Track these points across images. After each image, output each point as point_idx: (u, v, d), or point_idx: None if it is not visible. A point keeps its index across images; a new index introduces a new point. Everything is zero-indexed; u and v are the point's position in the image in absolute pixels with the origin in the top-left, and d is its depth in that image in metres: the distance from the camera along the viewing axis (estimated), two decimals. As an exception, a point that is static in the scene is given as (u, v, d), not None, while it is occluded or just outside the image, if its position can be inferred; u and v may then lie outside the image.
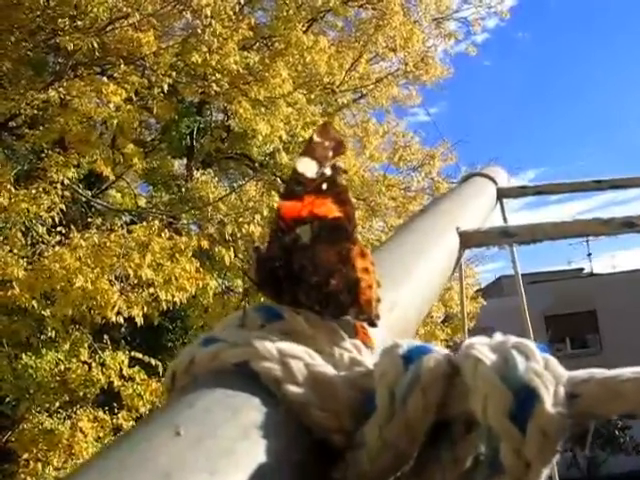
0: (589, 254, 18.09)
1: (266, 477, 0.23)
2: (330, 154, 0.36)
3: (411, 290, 0.45)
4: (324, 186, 0.35)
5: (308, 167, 0.35)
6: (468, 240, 0.64)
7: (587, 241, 17.45)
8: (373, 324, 0.34)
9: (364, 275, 0.35)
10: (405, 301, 0.43)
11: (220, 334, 0.28)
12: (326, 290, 0.34)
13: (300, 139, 6.43)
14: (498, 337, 0.27)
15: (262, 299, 0.36)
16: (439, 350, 0.27)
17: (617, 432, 12.67)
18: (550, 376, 0.25)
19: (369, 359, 0.30)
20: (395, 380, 0.26)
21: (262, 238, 5.93)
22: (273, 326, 0.30)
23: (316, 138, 0.37)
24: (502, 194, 0.95)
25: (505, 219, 0.96)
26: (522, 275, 0.96)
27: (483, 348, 0.26)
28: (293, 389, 0.26)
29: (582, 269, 18.25)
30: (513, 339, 0.27)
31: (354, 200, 0.37)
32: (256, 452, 0.24)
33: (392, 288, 0.42)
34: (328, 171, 0.35)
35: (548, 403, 0.24)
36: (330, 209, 0.35)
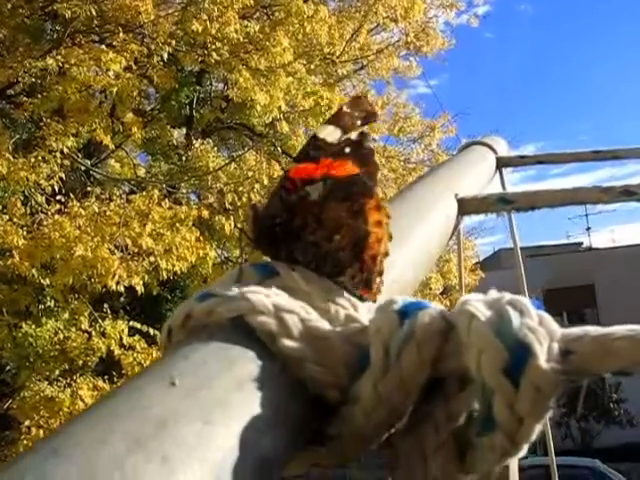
0: (588, 228, 18.12)
1: (260, 429, 0.23)
2: (358, 122, 0.35)
3: (407, 254, 0.45)
4: (347, 150, 0.34)
5: (330, 133, 0.34)
6: (466, 206, 0.64)
7: (586, 215, 17.47)
8: (369, 286, 0.34)
9: (375, 228, 0.34)
10: (401, 265, 0.43)
11: (216, 290, 0.28)
12: (326, 248, 0.34)
13: (300, 109, 6.40)
14: (493, 294, 0.27)
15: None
16: (435, 306, 0.27)
17: (611, 405, 12.79)
18: (544, 332, 0.25)
19: (365, 316, 0.30)
20: (390, 335, 0.26)
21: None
22: (269, 282, 0.30)
23: (345, 108, 0.35)
24: (502, 163, 0.95)
25: (504, 189, 0.96)
26: (521, 249, 0.96)
27: (478, 304, 0.26)
28: (288, 343, 0.26)
29: (581, 243, 18.28)
30: (508, 296, 0.27)
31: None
32: (251, 404, 0.24)
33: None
34: (354, 136, 0.34)
35: (542, 359, 0.24)
36: (349, 169, 0.34)
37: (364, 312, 0.30)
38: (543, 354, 0.25)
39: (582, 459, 9.09)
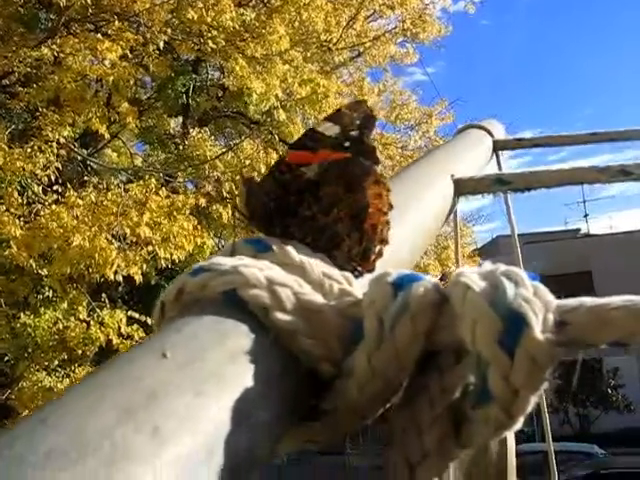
0: (586, 215, 18.13)
1: (253, 401, 0.23)
2: (357, 122, 0.34)
3: (402, 233, 0.45)
4: (346, 143, 0.34)
5: (328, 128, 0.34)
6: (463, 187, 0.64)
7: (584, 202, 17.48)
8: (366, 257, 0.34)
9: (375, 200, 0.34)
10: (396, 243, 0.43)
11: (209, 264, 0.28)
12: (322, 221, 0.34)
13: (297, 97, 6.37)
14: (488, 265, 0.27)
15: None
16: (429, 278, 0.27)
17: (609, 390, 12.85)
18: (539, 303, 0.25)
19: (359, 290, 0.29)
20: (383, 307, 0.26)
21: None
22: (262, 257, 0.30)
23: (345, 110, 0.35)
24: (498, 146, 0.95)
25: (501, 171, 0.95)
26: (518, 235, 0.95)
27: (472, 275, 0.26)
28: (281, 316, 0.26)
29: (579, 230, 18.29)
30: (503, 267, 0.26)
31: None
32: (243, 377, 0.23)
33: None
34: (354, 133, 0.34)
35: (537, 329, 0.24)
36: (347, 156, 0.34)
37: (358, 286, 0.30)
38: (538, 325, 0.24)
39: (580, 444, 9.15)
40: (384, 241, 0.35)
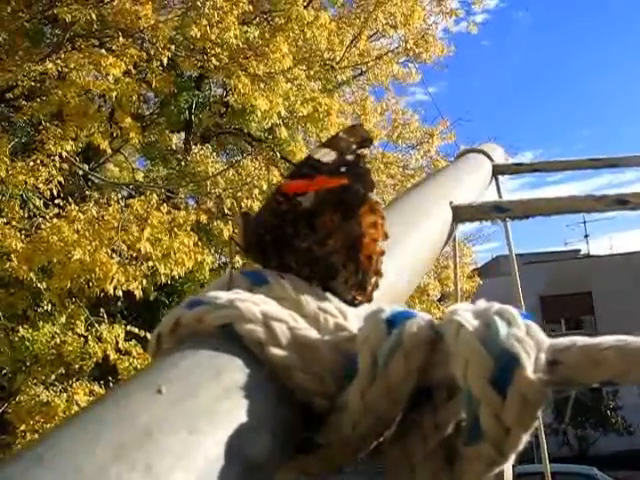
0: (586, 235, 18.15)
1: (247, 436, 0.23)
2: (354, 147, 0.35)
3: (401, 260, 0.45)
4: (342, 169, 0.34)
5: (325, 155, 0.34)
6: (461, 214, 0.64)
7: (584, 222, 17.51)
8: (363, 288, 0.34)
9: (370, 229, 0.34)
10: (394, 272, 0.43)
11: (205, 297, 0.28)
12: (318, 253, 0.34)
13: (299, 115, 6.40)
14: (482, 303, 0.27)
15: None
16: (423, 315, 0.27)
17: (609, 412, 12.79)
18: (531, 342, 0.25)
19: (354, 325, 0.30)
20: (377, 344, 0.26)
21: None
22: (258, 291, 0.30)
23: (342, 134, 0.35)
24: (498, 171, 0.95)
25: (500, 196, 0.96)
26: (518, 256, 0.96)
27: (466, 314, 0.26)
28: (276, 351, 0.26)
29: (579, 250, 18.30)
30: (497, 305, 0.27)
31: None
32: (238, 412, 0.24)
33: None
34: (350, 157, 0.34)
35: (529, 369, 0.25)
36: (341, 181, 0.34)
37: (354, 320, 0.30)
38: (530, 364, 0.25)
39: (579, 466, 9.09)
40: (379, 273, 0.35)
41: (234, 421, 0.23)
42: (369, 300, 0.35)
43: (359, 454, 0.29)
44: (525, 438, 0.26)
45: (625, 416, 12.84)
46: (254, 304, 0.27)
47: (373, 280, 0.35)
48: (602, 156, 0.97)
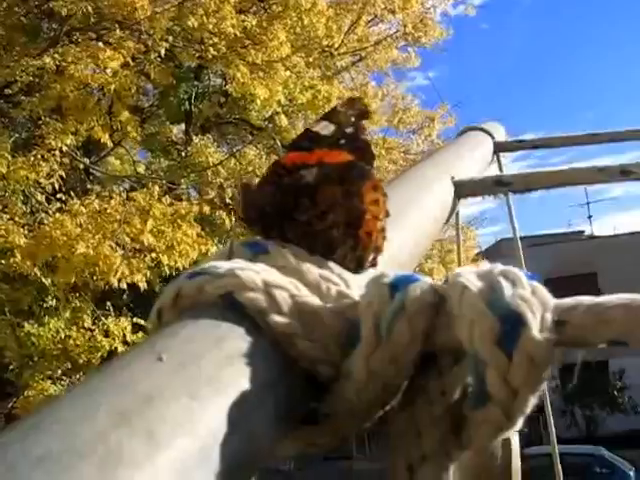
0: (590, 216, 18.11)
1: (249, 404, 0.23)
2: (352, 119, 0.35)
3: (403, 234, 0.45)
4: (342, 141, 0.34)
5: (324, 127, 0.34)
6: (463, 189, 0.64)
7: (588, 203, 17.46)
8: (360, 265, 0.34)
9: (372, 207, 0.34)
10: (396, 244, 0.43)
11: (205, 267, 0.28)
12: (318, 227, 0.33)
13: (299, 102, 6.38)
14: (485, 266, 0.27)
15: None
16: (426, 279, 0.27)
17: (615, 392, 12.81)
18: (537, 302, 0.25)
19: (357, 292, 0.29)
20: (380, 309, 0.26)
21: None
22: (259, 260, 0.30)
23: (339, 107, 0.35)
24: (499, 148, 0.95)
25: (502, 173, 0.95)
26: (522, 238, 0.95)
27: (470, 275, 0.26)
28: (278, 319, 0.26)
29: (582, 232, 18.26)
30: (500, 267, 0.26)
31: None
32: (240, 380, 0.23)
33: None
34: (349, 129, 0.34)
35: (535, 329, 0.24)
36: (344, 157, 0.34)
37: (356, 288, 0.30)
38: (536, 324, 0.24)
39: (587, 447, 9.11)
40: (378, 249, 0.35)
41: (237, 389, 0.23)
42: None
43: (365, 423, 0.29)
44: (533, 401, 0.25)
45: (632, 396, 12.86)
46: (255, 272, 0.27)
47: (371, 257, 0.35)
48: (602, 130, 0.96)
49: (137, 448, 0.18)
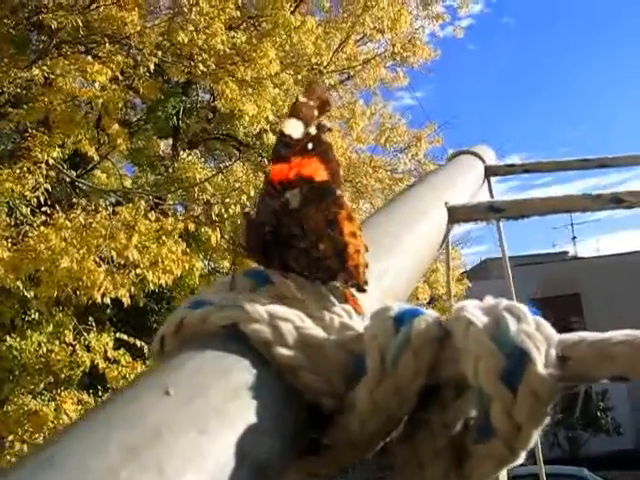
0: (574, 238, 18.23)
1: (256, 437, 0.23)
2: (315, 113, 0.35)
3: (399, 260, 0.45)
4: (310, 145, 0.34)
5: (294, 128, 0.35)
6: (456, 215, 0.64)
7: (572, 224, 17.59)
8: (362, 289, 0.34)
9: (352, 239, 0.34)
10: (393, 271, 0.43)
11: (209, 297, 0.28)
12: (315, 255, 0.34)
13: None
14: (489, 300, 0.27)
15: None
16: (430, 313, 0.27)
17: (599, 413, 12.84)
18: (542, 338, 0.25)
19: (359, 324, 0.29)
20: (386, 342, 0.26)
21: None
22: (262, 290, 0.30)
23: (301, 98, 0.36)
24: (490, 172, 0.95)
25: (492, 197, 0.96)
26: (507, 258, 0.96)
27: (475, 310, 0.26)
28: (283, 351, 0.26)
29: (567, 252, 18.38)
30: (505, 302, 0.27)
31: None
32: (247, 413, 0.23)
33: (380, 258, 0.42)
34: (313, 130, 0.35)
35: (540, 365, 0.24)
36: (316, 169, 0.34)
37: (359, 320, 0.30)
38: (541, 360, 0.24)
39: (570, 467, 9.11)
40: (366, 283, 0.35)
41: (243, 422, 0.23)
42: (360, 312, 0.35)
43: (366, 454, 0.29)
44: (536, 435, 0.25)
45: (615, 417, 12.90)
46: (260, 304, 0.27)
47: (365, 288, 0.35)
48: (592, 157, 0.98)
49: (148, 484, 0.18)
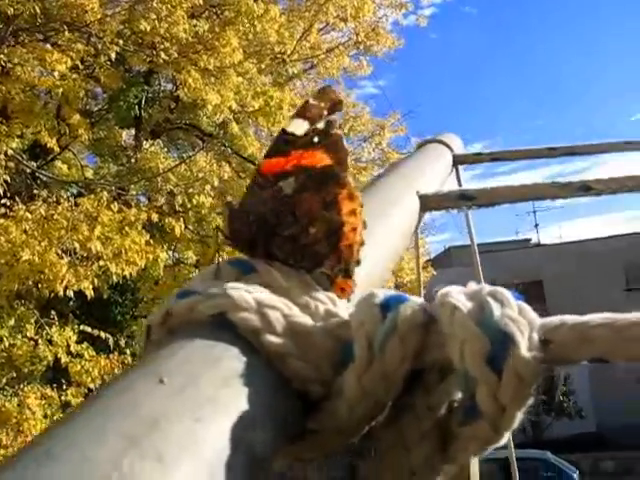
0: (536, 225, 18.52)
1: (249, 424, 0.23)
2: (325, 113, 0.34)
3: (374, 250, 0.45)
4: (316, 139, 0.34)
5: (298, 126, 0.34)
6: (428, 203, 0.65)
7: (534, 212, 17.85)
8: (348, 275, 0.34)
9: (350, 218, 0.34)
10: (368, 261, 0.43)
11: (195, 287, 0.28)
12: (303, 242, 0.34)
13: (250, 109, 6.36)
14: (472, 286, 0.28)
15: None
16: (415, 299, 0.28)
17: (561, 397, 13.10)
18: (525, 322, 0.26)
19: (344, 311, 0.30)
20: (373, 329, 0.26)
21: (212, 209, 5.89)
22: (247, 279, 0.30)
23: (312, 100, 0.35)
24: (458, 160, 0.96)
25: (460, 185, 0.97)
26: (470, 246, 0.97)
27: (459, 296, 0.26)
28: (272, 339, 0.26)
29: (529, 240, 18.66)
30: (488, 287, 0.27)
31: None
32: (239, 400, 0.24)
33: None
34: (321, 125, 0.34)
35: (523, 348, 0.25)
36: (320, 158, 0.34)
37: (343, 307, 0.31)
38: (524, 343, 0.25)
39: (533, 451, 9.29)
40: (359, 262, 0.35)
41: (236, 409, 0.23)
42: (350, 294, 0.35)
43: (351, 439, 0.29)
44: (519, 416, 0.26)
45: (577, 401, 13.17)
46: (247, 292, 0.27)
47: (356, 269, 0.35)
48: (560, 145, 0.99)
49: (149, 472, 0.19)
